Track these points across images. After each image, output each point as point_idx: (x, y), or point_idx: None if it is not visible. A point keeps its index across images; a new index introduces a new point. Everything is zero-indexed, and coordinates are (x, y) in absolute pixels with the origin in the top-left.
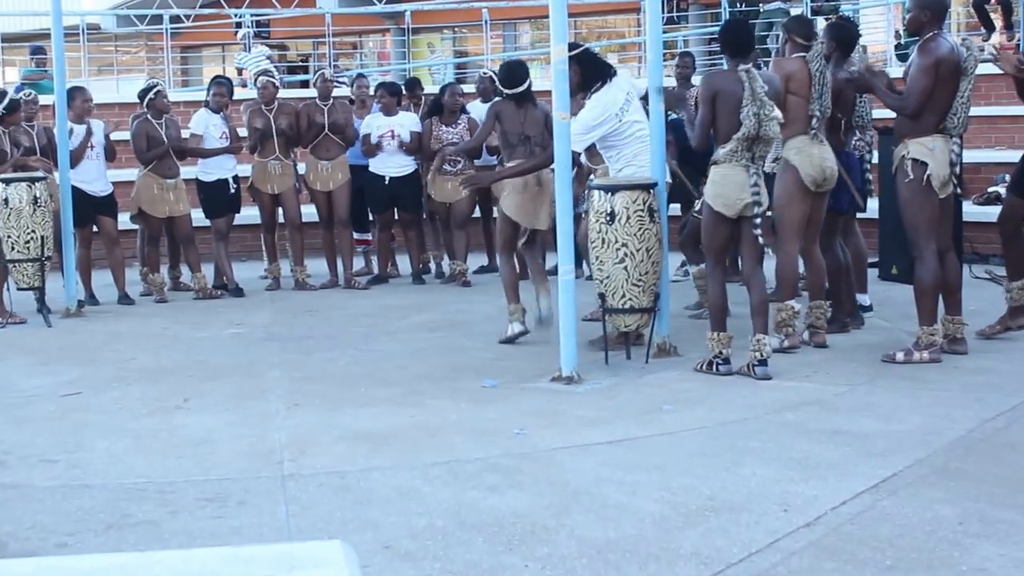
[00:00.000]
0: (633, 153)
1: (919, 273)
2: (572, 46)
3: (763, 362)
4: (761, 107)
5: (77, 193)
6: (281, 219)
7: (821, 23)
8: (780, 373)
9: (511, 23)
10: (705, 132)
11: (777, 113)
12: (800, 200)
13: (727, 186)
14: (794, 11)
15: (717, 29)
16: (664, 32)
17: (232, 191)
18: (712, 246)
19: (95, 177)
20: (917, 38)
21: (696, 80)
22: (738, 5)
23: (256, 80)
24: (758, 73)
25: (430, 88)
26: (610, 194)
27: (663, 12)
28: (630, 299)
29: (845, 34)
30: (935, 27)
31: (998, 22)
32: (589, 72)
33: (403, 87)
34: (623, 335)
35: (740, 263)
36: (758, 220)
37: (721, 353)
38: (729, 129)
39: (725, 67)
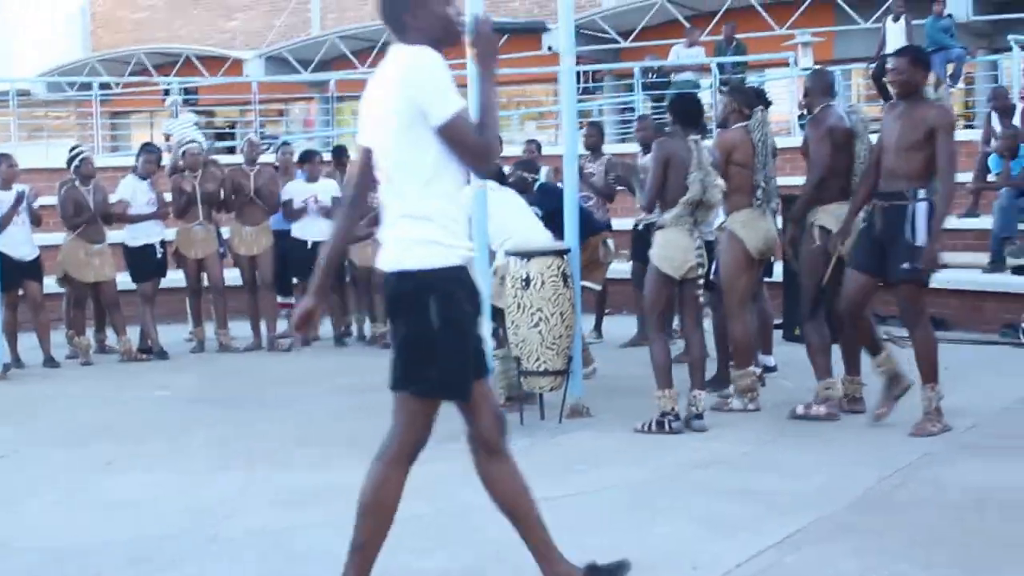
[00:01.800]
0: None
1: (810, 332)
2: None
3: (699, 416)
4: (706, 175)
5: (3, 258)
6: (206, 283)
7: None
8: (688, 432)
9: None
10: (657, 193)
11: (720, 181)
12: (747, 270)
13: (673, 248)
14: (704, 82)
15: (630, 99)
16: (579, 102)
17: (159, 256)
18: (655, 306)
19: (21, 242)
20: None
21: (606, 149)
22: (650, 76)
23: (181, 148)
24: (703, 144)
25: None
26: (526, 260)
27: (579, 83)
28: (544, 362)
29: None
30: (825, 101)
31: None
32: None
33: (330, 154)
34: (512, 398)
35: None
36: (701, 282)
37: (672, 410)
38: (676, 193)
39: (672, 135)
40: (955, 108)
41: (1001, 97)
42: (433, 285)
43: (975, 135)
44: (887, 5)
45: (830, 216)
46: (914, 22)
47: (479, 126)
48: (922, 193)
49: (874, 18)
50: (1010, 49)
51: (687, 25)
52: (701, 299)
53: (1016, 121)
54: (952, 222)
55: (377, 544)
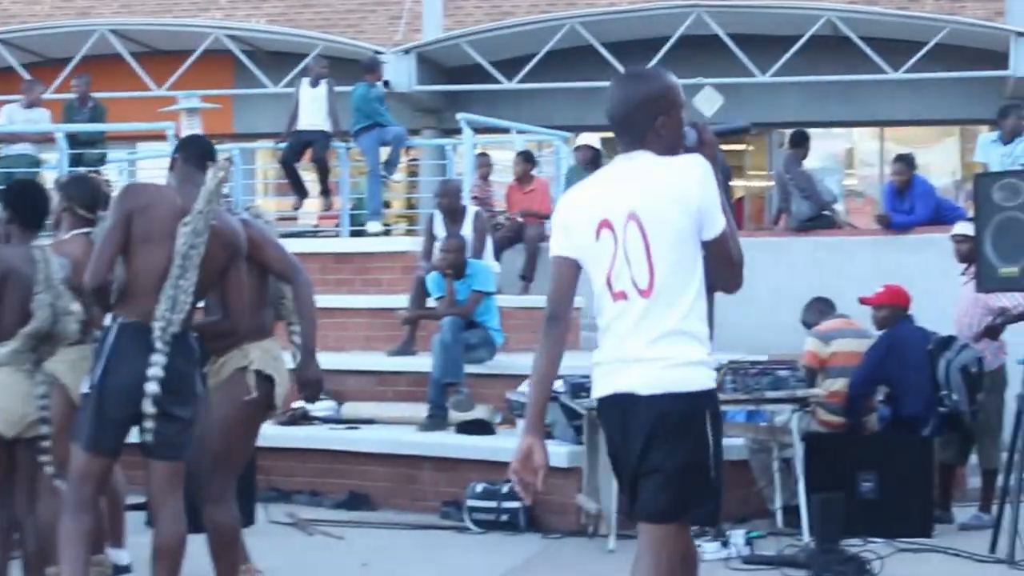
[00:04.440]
0: None
1: (221, 518)
2: None
3: None
4: (58, 297)
5: None
6: None
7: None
8: None
9: None
10: None
11: (76, 307)
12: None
13: (8, 398)
14: (49, 156)
15: None
16: None
17: None
18: None
19: None
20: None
21: None
22: None
23: None
24: (54, 255)
25: None
26: None
27: None
28: None
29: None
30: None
31: (315, 187)
32: None
33: None
34: None
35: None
36: (47, 443)
37: None
38: (14, 321)
39: (10, 241)
40: (395, 205)
41: (451, 194)
42: (710, 407)
43: (415, 244)
44: (303, 65)
45: (270, 356)
46: (339, 89)
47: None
48: None
49: (286, 81)
50: (460, 131)
51: (26, 76)
52: (47, 468)
53: (466, 229)
54: (377, 363)
55: None
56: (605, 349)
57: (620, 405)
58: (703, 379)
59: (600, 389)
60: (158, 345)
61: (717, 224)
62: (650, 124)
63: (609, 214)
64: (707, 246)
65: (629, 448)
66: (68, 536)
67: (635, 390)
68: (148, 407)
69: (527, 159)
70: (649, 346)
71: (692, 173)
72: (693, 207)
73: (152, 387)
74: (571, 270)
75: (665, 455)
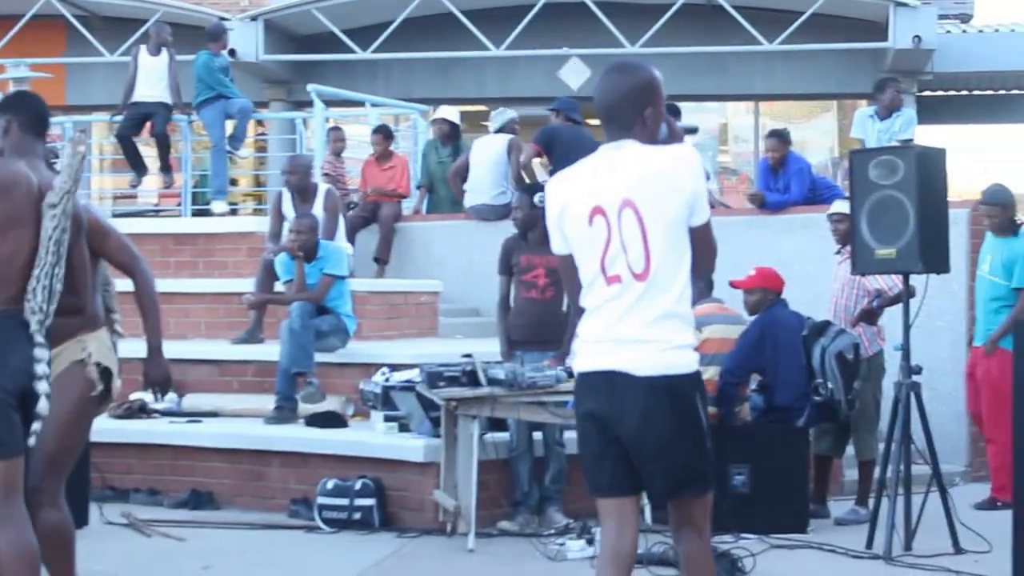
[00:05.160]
0: None
1: (56, 520)
2: None
3: None
4: None
5: None
6: None
7: None
8: None
9: None
10: None
11: None
12: None
13: None
14: None
15: None
16: None
17: None
18: None
19: None
20: None
21: None
22: None
23: None
24: None
25: None
26: None
27: None
28: None
29: None
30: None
31: (154, 163)
32: None
33: None
34: None
35: None
36: None
37: None
38: None
39: None
40: (241, 182)
41: (300, 171)
42: (699, 387)
43: (262, 224)
44: (142, 31)
45: (105, 347)
46: (180, 57)
47: None
48: None
49: (123, 49)
50: (311, 103)
51: None
52: None
53: (317, 208)
54: (221, 351)
55: None
56: (596, 328)
57: (611, 381)
58: (691, 361)
59: (589, 364)
60: (38, 339)
61: (705, 211)
62: (639, 114)
63: (601, 201)
64: (693, 232)
65: (615, 422)
66: (26, 560)
67: (631, 371)
68: (43, 408)
69: (387, 135)
70: (646, 327)
71: (686, 162)
72: (688, 194)
73: (43, 386)
74: (574, 263)
75: (670, 438)
